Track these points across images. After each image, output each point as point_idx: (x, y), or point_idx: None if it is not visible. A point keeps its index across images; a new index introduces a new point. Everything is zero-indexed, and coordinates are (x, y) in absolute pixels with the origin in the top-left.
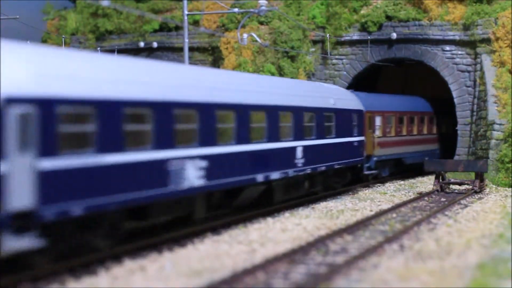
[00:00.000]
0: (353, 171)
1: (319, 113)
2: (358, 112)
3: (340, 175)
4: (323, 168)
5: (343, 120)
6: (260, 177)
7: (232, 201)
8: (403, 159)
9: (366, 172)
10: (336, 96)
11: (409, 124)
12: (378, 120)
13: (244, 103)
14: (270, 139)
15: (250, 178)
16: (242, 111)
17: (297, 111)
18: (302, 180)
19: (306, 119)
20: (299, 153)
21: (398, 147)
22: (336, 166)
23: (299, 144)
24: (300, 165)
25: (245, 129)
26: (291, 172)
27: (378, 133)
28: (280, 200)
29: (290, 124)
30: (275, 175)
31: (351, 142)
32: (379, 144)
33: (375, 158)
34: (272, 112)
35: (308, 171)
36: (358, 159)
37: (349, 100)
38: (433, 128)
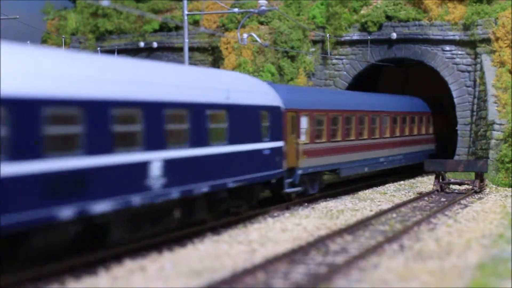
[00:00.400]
0: (269, 188)
1: (198, 110)
2: (273, 109)
3: (243, 195)
4: (206, 189)
5: (245, 120)
6: (66, 213)
7: (14, 253)
8: (338, 171)
9: (288, 190)
10: (233, 87)
11: (344, 126)
12: (304, 121)
13: (30, 96)
14: (93, 151)
15: (43, 217)
16: (24, 109)
17: (153, 108)
18: (166, 209)
19: (171, 120)
20: (156, 170)
21: (331, 156)
22: (232, 185)
23: (157, 156)
24: (158, 187)
25: (29, 137)
26: (137, 199)
27: (304, 138)
28: (121, 241)
29: (138, 128)
30: (103, 207)
31: (259, 151)
32: (305, 153)
33: (300, 171)
34: (97, 109)
35: (176, 195)
36: (272, 172)
37: (257, 94)
38: (394, 130)
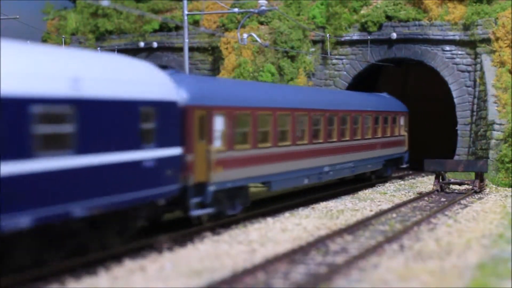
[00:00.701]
0: (163, 210)
1: (14, 107)
2: (164, 106)
3: (112, 225)
4: (27, 223)
5: (110, 120)
6: None
7: None
8: (268, 184)
9: (195, 212)
10: (88, 74)
11: (277, 129)
12: (219, 122)
13: None
14: None
15: None
16: None
17: None
18: None
19: None
20: None
21: (258, 166)
22: (81, 213)
23: None
24: None
25: None
26: None
27: (219, 144)
28: None
29: None
30: None
31: (136, 163)
32: (221, 163)
33: (212, 187)
34: None
35: None
36: (159, 191)
37: (136, 84)
38: (343, 132)
